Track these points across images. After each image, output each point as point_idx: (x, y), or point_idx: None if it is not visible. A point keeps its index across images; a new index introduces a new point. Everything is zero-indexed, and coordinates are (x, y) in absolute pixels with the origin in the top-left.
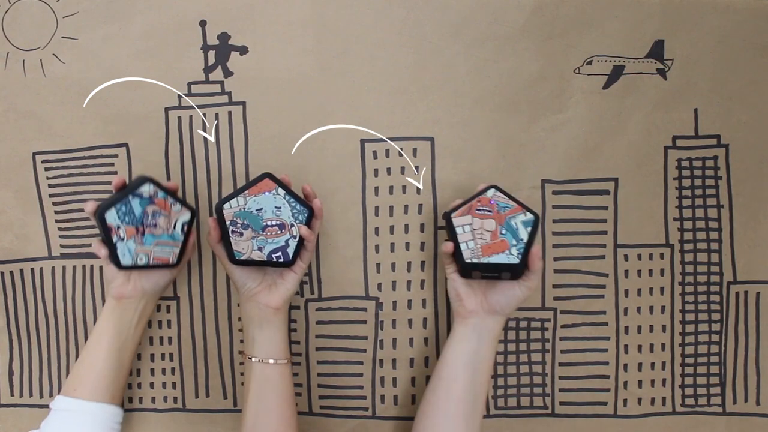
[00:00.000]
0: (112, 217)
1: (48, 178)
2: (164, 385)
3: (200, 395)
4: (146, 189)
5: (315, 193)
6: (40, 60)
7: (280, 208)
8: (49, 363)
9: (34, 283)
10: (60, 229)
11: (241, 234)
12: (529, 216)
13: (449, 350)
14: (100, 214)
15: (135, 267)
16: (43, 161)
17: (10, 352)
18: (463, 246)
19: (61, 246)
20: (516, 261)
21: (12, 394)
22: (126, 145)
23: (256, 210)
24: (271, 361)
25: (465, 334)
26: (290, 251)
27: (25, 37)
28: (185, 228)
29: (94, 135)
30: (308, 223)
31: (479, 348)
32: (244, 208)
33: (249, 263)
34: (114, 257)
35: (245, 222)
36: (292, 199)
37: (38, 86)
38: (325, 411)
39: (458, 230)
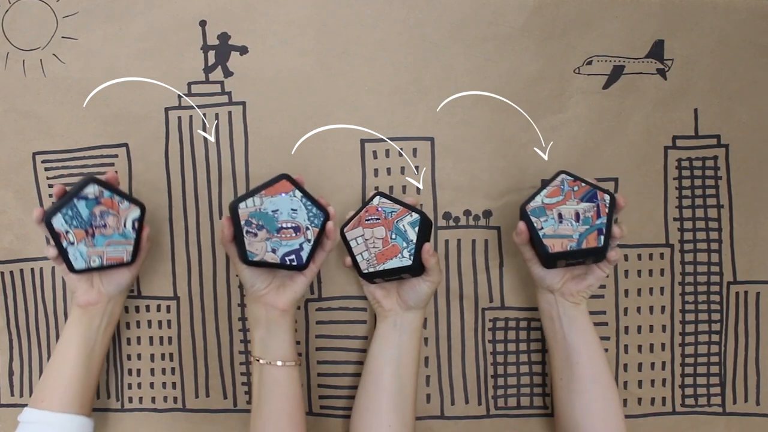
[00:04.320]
0: (59, 222)
1: (48, 178)
2: (164, 385)
3: (200, 395)
4: (91, 190)
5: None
6: (40, 60)
7: (296, 210)
8: None
9: (34, 283)
10: None
11: (255, 235)
12: (415, 216)
13: (374, 347)
14: (46, 220)
15: (89, 269)
16: (43, 161)
17: (11, 352)
18: (359, 258)
19: None
20: (409, 262)
21: (12, 394)
22: (126, 145)
23: (272, 211)
24: (279, 363)
25: (386, 330)
26: (304, 255)
27: (25, 37)
28: (136, 225)
29: (94, 135)
30: (323, 226)
31: (400, 342)
32: (259, 209)
33: (262, 265)
34: (66, 262)
35: (260, 223)
36: (308, 202)
37: (38, 86)
38: (325, 411)
39: (352, 243)
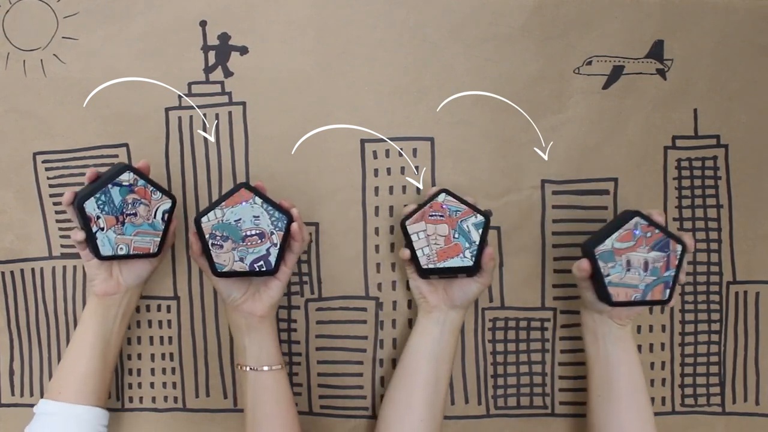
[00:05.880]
0: (91, 206)
1: (48, 178)
2: (164, 385)
3: (200, 395)
4: (126, 177)
5: (292, 203)
6: (41, 60)
7: (258, 217)
8: (50, 363)
9: (35, 283)
10: (60, 229)
11: (221, 246)
12: (480, 218)
13: (413, 342)
14: (79, 204)
15: (115, 257)
16: (44, 161)
17: (11, 352)
18: (419, 252)
19: (62, 246)
20: (470, 263)
21: (13, 394)
22: (126, 145)
23: (235, 221)
24: (265, 368)
25: (428, 326)
26: (272, 259)
27: (25, 37)
28: (165, 216)
29: (94, 135)
30: (288, 229)
31: (441, 339)
32: (222, 221)
33: (232, 275)
34: (94, 247)
35: (224, 234)
36: (270, 207)
37: (39, 86)
38: (325, 411)
39: (413, 237)
